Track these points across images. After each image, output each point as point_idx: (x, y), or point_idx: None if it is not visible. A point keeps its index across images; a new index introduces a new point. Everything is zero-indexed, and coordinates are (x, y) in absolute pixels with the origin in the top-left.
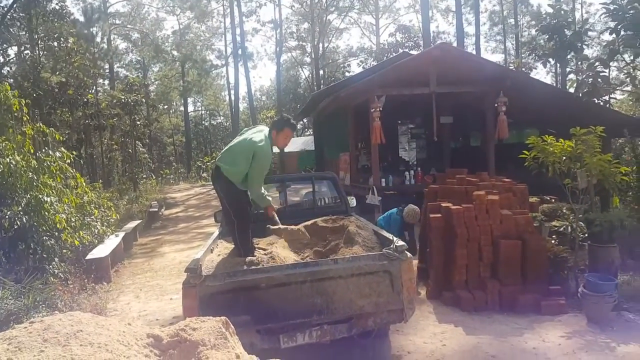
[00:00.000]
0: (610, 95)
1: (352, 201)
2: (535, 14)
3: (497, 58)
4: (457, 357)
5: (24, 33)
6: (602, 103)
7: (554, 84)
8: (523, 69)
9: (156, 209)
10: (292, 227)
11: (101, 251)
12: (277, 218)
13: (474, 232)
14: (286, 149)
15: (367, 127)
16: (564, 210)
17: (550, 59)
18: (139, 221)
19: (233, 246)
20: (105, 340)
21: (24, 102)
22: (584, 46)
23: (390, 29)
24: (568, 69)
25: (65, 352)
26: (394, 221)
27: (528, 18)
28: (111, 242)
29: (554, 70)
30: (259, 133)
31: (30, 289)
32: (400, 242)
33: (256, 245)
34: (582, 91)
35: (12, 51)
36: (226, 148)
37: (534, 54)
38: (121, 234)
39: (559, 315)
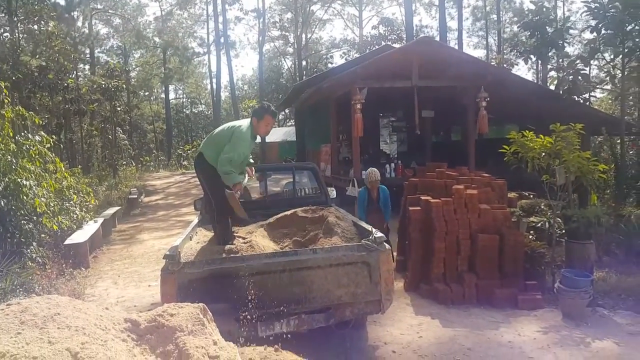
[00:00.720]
0: (590, 93)
1: (332, 192)
2: (518, 10)
3: (479, 53)
4: (433, 348)
5: (2, 15)
6: (582, 101)
7: (535, 81)
8: (505, 65)
9: (135, 196)
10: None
11: (80, 237)
12: (238, 199)
13: (452, 225)
14: (267, 139)
15: (348, 119)
16: (542, 206)
17: (532, 56)
18: (118, 208)
19: (212, 234)
20: (82, 323)
21: (3, 84)
22: (565, 44)
23: (374, 21)
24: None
25: (42, 334)
26: (361, 196)
27: (511, 14)
28: (90, 228)
29: (535, 67)
30: (242, 120)
31: (8, 273)
32: (379, 234)
33: (235, 234)
34: (563, 88)
35: None
36: (209, 135)
37: (515, 50)
38: (100, 220)
39: (535, 310)
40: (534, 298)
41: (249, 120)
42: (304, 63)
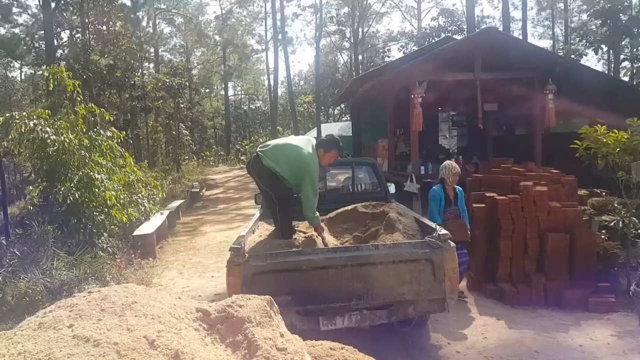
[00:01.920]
0: None
1: (392, 188)
2: None
3: (545, 44)
4: (499, 350)
5: (75, 17)
6: None
7: (606, 72)
8: (572, 56)
9: (197, 190)
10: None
11: (147, 228)
12: (321, 240)
13: (519, 224)
14: (323, 134)
15: (406, 114)
16: (615, 205)
17: (603, 46)
18: (181, 201)
19: (273, 228)
20: (158, 312)
21: (77, 83)
22: None
23: (433, 12)
24: (622, 56)
25: (121, 321)
26: (435, 195)
27: (579, 2)
28: (156, 220)
29: (606, 57)
30: (307, 145)
31: (81, 262)
32: (443, 231)
33: (296, 228)
34: (638, 79)
35: (65, 35)
36: (272, 145)
37: (584, 40)
38: (166, 213)
39: (607, 314)
40: (606, 301)
41: (311, 143)
42: (360, 57)
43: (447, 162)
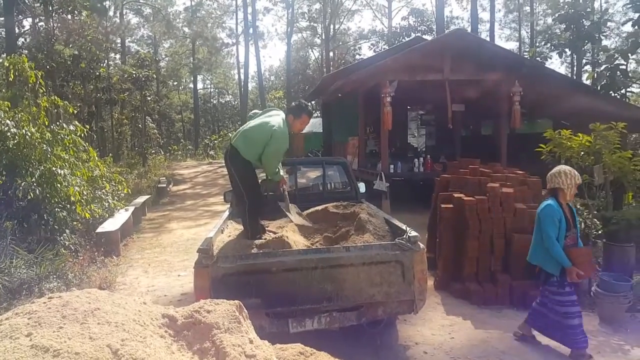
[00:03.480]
0: (627, 89)
1: (362, 187)
2: (553, 2)
3: (511, 46)
4: (466, 350)
5: (38, 5)
6: (618, 96)
7: (569, 75)
8: (538, 59)
9: (164, 185)
10: (298, 213)
11: (111, 225)
12: (287, 193)
13: (486, 224)
14: None
15: (377, 112)
16: (578, 206)
17: (567, 49)
18: (147, 196)
19: (242, 228)
20: (122, 319)
21: (39, 74)
22: (602, 37)
23: (403, 12)
24: (584, 60)
25: (83, 329)
26: (554, 214)
27: (544, 6)
28: (121, 217)
29: (569, 61)
30: (276, 117)
31: (42, 260)
32: (413, 233)
33: (266, 228)
34: (600, 83)
35: (27, 23)
36: (242, 129)
37: (549, 44)
38: (131, 209)
39: None
40: None
41: (281, 116)
42: (331, 54)
43: (563, 167)
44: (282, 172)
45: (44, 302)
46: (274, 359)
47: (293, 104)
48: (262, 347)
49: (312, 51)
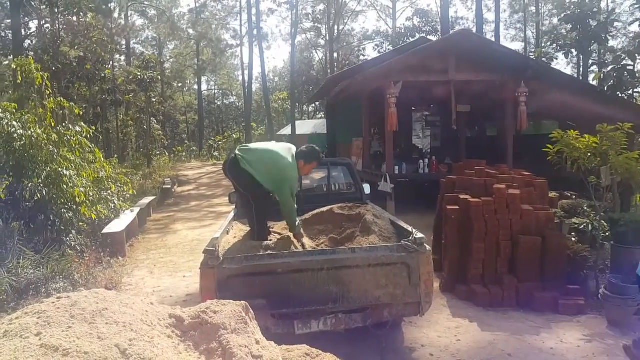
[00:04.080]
0: (634, 90)
1: (367, 188)
2: (559, 2)
3: (517, 46)
4: (472, 353)
5: (44, 7)
6: (625, 97)
7: (575, 76)
8: (543, 59)
9: (169, 186)
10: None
11: (117, 226)
12: (299, 245)
13: (492, 226)
14: (297, 131)
15: (381, 113)
16: (585, 208)
17: (573, 50)
18: (152, 197)
19: (248, 229)
20: (129, 319)
21: (45, 75)
22: (609, 37)
23: (408, 12)
24: (591, 61)
25: (91, 329)
26: None
27: (550, 6)
28: (127, 217)
29: (575, 62)
30: (287, 153)
31: (49, 260)
32: (420, 234)
33: (271, 229)
34: (607, 84)
35: (33, 25)
36: (252, 148)
37: (555, 44)
38: (136, 210)
39: (577, 316)
40: (576, 303)
41: (291, 152)
42: (335, 55)
43: None
44: (300, 226)
45: (53, 302)
46: None
47: (304, 148)
48: (269, 348)
49: (317, 52)
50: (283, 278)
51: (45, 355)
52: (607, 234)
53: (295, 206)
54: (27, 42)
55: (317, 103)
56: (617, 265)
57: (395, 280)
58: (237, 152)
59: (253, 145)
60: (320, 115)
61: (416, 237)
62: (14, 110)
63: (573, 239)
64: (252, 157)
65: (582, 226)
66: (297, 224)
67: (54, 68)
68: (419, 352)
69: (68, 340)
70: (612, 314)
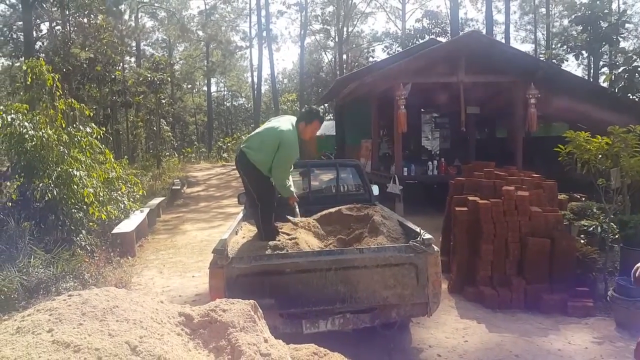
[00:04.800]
0: None
1: (375, 189)
2: (569, 3)
3: (527, 48)
4: (480, 354)
5: (55, 9)
6: (637, 99)
7: (585, 78)
8: (554, 61)
9: (178, 187)
10: (308, 220)
11: (127, 226)
12: (297, 209)
13: (501, 228)
14: None
15: (390, 115)
16: (594, 210)
17: (583, 51)
18: (162, 198)
19: (256, 229)
20: (140, 317)
21: (56, 77)
22: (620, 38)
23: (417, 14)
24: (601, 62)
25: (102, 326)
26: None
27: (560, 8)
28: (136, 218)
29: (586, 63)
30: (286, 122)
31: (59, 259)
32: (428, 235)
33: (280, 230)
34: (618, 86)
35: (45, 27)
36: (252, 134)
37: (565, 46)
38: (146, 210)
39: (586, 318)
40: (585, 305)
41: (290, 120)
42: (344, 57)
43: None
44: (292, 188)
45: (64, 300)
46: (288, 358)
47: (303, 110)
48: (277, 347)
49: (326, 54)
50: (291, 278)
51: (57, 351)
52: (617, 236)
53: (288, 173)
54: (39, 43)
55: (326, 104)
56: (626, 267)
57: (403, 281)
58: (241, 146)
59: (254, 132)
60: (329, 117)
61: (424, 237)
62: (26, 111)
63: (582, 241)
64: (253, 142)
65: (592, 228)
66: (287, 185)
67: (64, 69)
68: (427, 353)
69: (79, 337)
70: (620, 316)
